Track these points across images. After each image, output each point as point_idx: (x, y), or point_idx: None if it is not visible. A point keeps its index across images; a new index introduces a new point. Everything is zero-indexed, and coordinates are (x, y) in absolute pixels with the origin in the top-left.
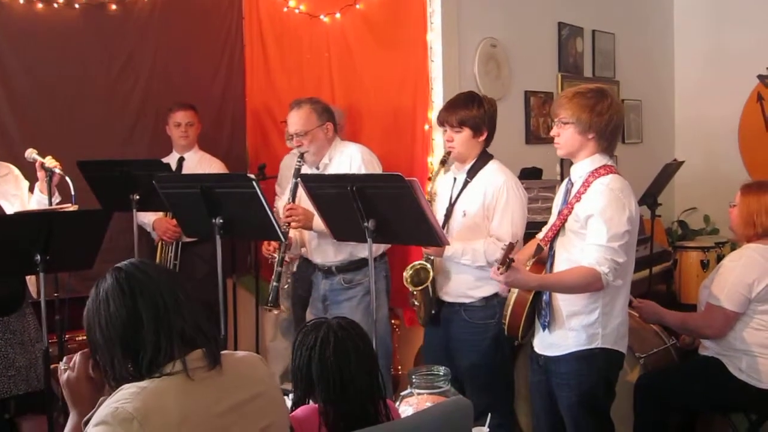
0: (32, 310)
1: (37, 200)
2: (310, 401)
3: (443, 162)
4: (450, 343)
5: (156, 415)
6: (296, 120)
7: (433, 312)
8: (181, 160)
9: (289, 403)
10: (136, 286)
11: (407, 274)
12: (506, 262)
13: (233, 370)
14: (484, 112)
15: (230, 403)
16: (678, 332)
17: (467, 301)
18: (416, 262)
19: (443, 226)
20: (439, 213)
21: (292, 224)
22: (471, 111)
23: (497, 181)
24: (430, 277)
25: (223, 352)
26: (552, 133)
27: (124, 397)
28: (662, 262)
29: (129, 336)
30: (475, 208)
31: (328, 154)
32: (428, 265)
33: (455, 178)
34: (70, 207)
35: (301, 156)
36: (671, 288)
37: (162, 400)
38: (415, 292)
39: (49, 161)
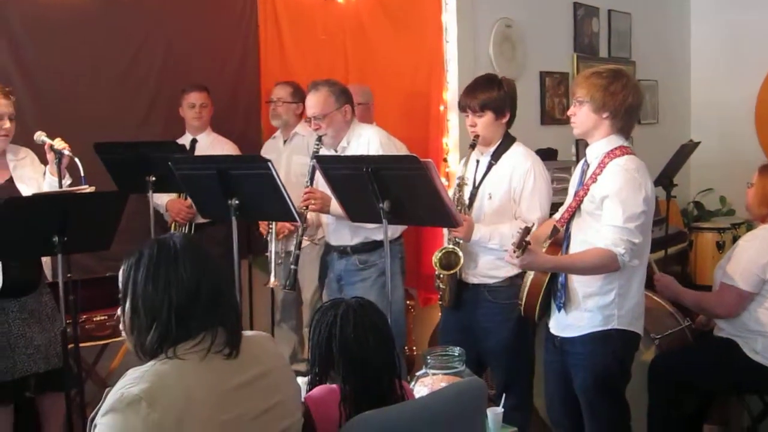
0: (49, 290)
1: (48, 183)
2: (327, 381)
3: (473, 146)
4: (474, 324)
5: (162, 394)
6: (314, 103)
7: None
8: (193, 141)
9: (302, 382)
10: (203, 257)
11: (436, 257)
12: (522, 245)
13: (243, 349)
14: (504, 93)
15: (239, 381)
16: (693, 311)
17: (491, 281)
18: (446, 246)
19: (468, 209)
20: (464, 196)
21: (310, 207)
22: (492, 93)
23: (524, 165)
24: (461, 262)
25: None
26: (569, 113)
27: (128, 382)
28: (678, 243)
29: (185, 303)
30: (501, 192)
31: (346, 138)
32: (458, 250)
33: (478, 161)
34: (88, 189)
35: (319, 139)
36: (686, 269)
37: (165, 381)
38: (442, 276)
39: (58, 143)
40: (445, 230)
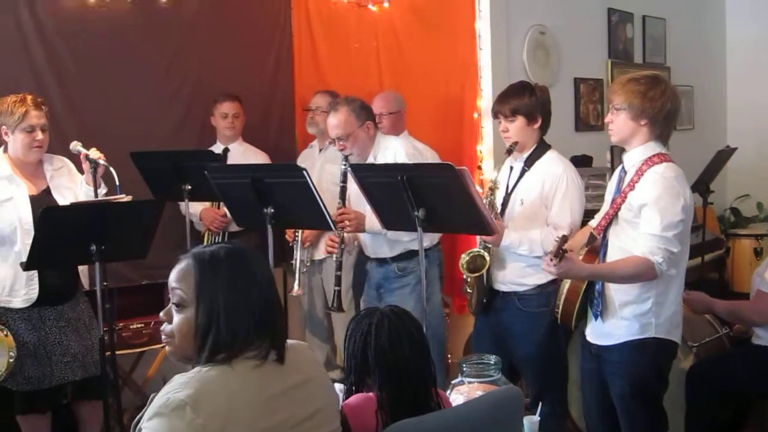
0: (86, 298)
1: (84, 192)
2: (363, 390)
3: (509, 152)
4: (504, 332)
5: (206, 400)
6: (335, 124)
7: (484, 300)
8: (225, 150)
9: (338, 390)
10: (265, 265)
11: (464, 260)
12: (559, 254)
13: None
14: (536, 99)
15: (281, 388)
16: (729, 321)
17: (521, 289)
18: (474, 249)
19: (501, 215)
20: (496, 201)
21: (346, 229)
22: (522, 99)
23: (556, 171)
24: (487, 265)
25: None
26: (606, 120)
27: (174, 387)
28: (714, 250)
29: (256, 309)
30: (533, 197)
31: (372, 153)
32: (485, 253)
33: (512, 167)
34: (125, 198)
35: (346, 159)
36: (723, 276)
37: (210, 387)
38: (469, 279)
39: (93, 153)
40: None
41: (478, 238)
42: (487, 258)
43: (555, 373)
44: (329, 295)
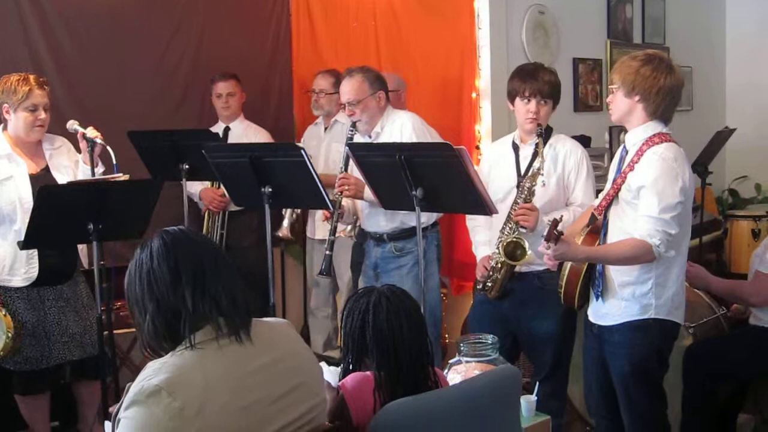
0: (84, 278)
1: (82, 171)
2: (361, 368)
3: (540, 134)
4: (521, 313)
5: (182, 383)
6: (348, 89)
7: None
8: (226, 129)
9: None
10: (179, 247)
11: (503, 244)
12: (552, 237)
13: (259, 335)
14: (559, 83)
15: (254, 367)
16: (726, 300)
17: (540, 268)
18: (514, 237)
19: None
20: (505, 183)
21: (344, 193)
22: (555, 81)
23: (576, 153)
24: (525, 257)
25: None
26: (607, 100)
27: (147, 374)
28: (713, 231)
29: (167, 293)
30: (553, 179)
31: (380, 123)
32: (525, 243)
33: (518, 149)
34: (123, 177)
35: (353, 125)
36: (722, 257)
37: (184, 370)
38: (500, 264)
39: (91, 132)
40: (494, 219)
41: (496, 222)
42: (528, 251)
43: (567, 353)
44: (339, 271)
